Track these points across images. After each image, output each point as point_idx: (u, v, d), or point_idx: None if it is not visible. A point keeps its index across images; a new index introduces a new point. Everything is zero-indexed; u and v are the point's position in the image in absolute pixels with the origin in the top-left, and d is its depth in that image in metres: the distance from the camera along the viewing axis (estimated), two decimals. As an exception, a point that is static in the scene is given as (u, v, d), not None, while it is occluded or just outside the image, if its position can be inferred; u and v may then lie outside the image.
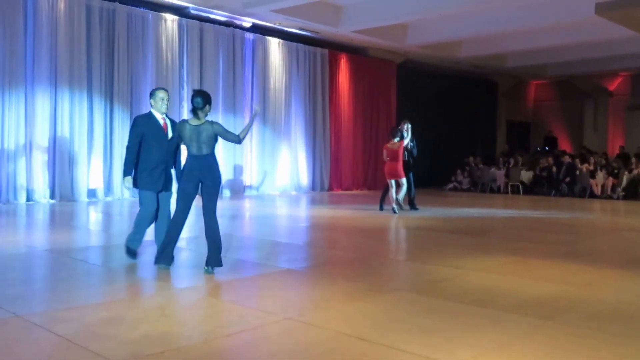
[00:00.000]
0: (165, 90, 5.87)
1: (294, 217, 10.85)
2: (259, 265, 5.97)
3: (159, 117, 5.70)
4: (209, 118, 5.41)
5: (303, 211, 12.12)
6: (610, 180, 16.47)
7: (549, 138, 23.89)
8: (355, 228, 9.15)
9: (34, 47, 11.55)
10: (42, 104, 11.65)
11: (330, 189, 17.16)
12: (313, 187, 16.76)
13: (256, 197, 14.64)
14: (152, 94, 5.78)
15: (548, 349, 3.40)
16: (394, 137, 10.84)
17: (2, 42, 11.08)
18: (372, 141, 18.37)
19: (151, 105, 5.75)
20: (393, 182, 10.75)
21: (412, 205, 11.32)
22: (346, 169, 17.73)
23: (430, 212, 11.20)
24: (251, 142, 15.29)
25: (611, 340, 3.59)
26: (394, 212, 10.60)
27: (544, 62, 19.89)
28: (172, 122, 5.79)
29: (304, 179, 16.55)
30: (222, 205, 12.29)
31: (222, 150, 14.53)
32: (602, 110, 23.21)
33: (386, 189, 11.14)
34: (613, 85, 22.89)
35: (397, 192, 10.80)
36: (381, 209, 11.07)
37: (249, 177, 15.32)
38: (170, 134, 5.67)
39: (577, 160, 17.52)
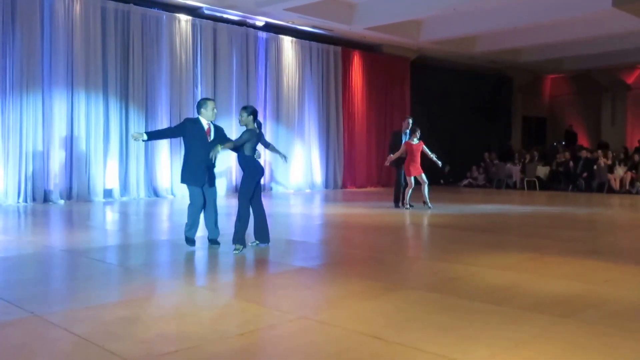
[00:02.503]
0: (214, 100, 6.78)
1: (308, 215, 10.85)
2: (274, 263, 5.98)
3: (204, 122, 6.40)
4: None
5: (317, 209, 12.11)
6: (629, 175, 16.25)
7: (569, 133, 23.57)
8: (369, 226, 9.12)
9: (51, 49, 11.68)
10: (59, 105, 11.78)
11: (344, 186, 17.15)
12: (327, 184, 16.76)
13: (270, 195, 14.65)
14: (203, 104, 6.43)
15: (566, 346, 3.36)
16: (412, 135, 10.93)
17: (19, 44, 11.22)
18: (386, 138, 18.25)
19: (199, 113, 6.39)
20: (414, 179, 10.87)
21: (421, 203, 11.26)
22: (360, 166, 17.70)
23: (446, 209, 11.13)
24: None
25: (631, 337, 3.54)
26: (410, 207, 10.92)
27: (560, 56, 19.65)
28: (217, 127, 6.53)
29: (318, 176, 16.56)
30: (237, 204, 12.34)
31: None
32: (621, 104, 22.90)
33: (403, 187, 11.19)
34: (631, 79, 22.55)
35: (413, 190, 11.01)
36: (399, 205, 11.14)
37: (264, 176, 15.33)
38: (212, 138, 6.39)
39: (600, 152, 17.30)
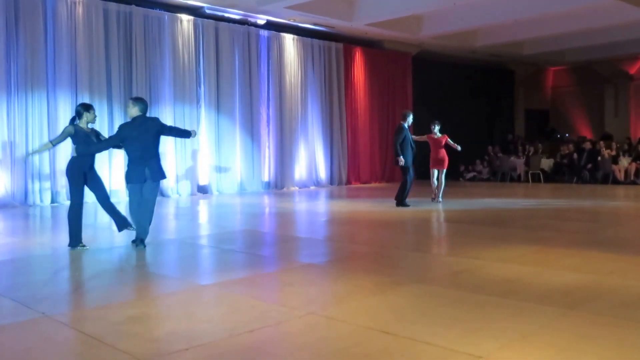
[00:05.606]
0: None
1: (313, 212, 10.87)
2: (280, 260, 6.01)
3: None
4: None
5: (322, 206, 12.13)
6: (634, 166, 16.22)
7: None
8: (375, 221, 9.15)
9: (54, 51, 11.72)
10: (64, 107, 11.81)
11: (349, 182, 17.18)
12: (331, 181, 16.79)
13: (275, 193, 14.69)
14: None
15: (573, 337, 3.38)
16: (435, 128, 11.45)
17: (23, 47, 11.26)
18: (389, 134, 18.27)
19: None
20: (436, 171, 11.29)
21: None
22: (364, 162, 17.73)
23: (450, 203, 11.14)
24: (269, 139, 15.35)
25: (638, 327, 3.56)
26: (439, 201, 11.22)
27: (562, 48, 19.61)
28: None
29: (322, 173, 16.59)
30: (242, 202, 12.40)
31: (240, 146, 14.63)
32: (623, 95, 22.82)
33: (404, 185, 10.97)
34: (634, 69, 22.47)
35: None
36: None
37: (267, 173, 15.38)
38: None
39: (602, 143, 17.29)
